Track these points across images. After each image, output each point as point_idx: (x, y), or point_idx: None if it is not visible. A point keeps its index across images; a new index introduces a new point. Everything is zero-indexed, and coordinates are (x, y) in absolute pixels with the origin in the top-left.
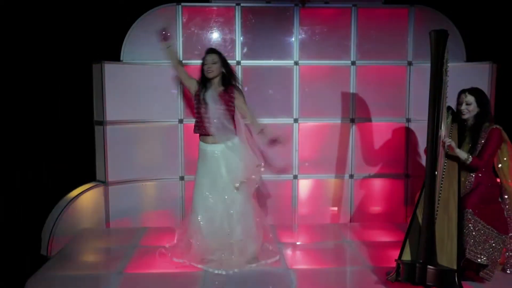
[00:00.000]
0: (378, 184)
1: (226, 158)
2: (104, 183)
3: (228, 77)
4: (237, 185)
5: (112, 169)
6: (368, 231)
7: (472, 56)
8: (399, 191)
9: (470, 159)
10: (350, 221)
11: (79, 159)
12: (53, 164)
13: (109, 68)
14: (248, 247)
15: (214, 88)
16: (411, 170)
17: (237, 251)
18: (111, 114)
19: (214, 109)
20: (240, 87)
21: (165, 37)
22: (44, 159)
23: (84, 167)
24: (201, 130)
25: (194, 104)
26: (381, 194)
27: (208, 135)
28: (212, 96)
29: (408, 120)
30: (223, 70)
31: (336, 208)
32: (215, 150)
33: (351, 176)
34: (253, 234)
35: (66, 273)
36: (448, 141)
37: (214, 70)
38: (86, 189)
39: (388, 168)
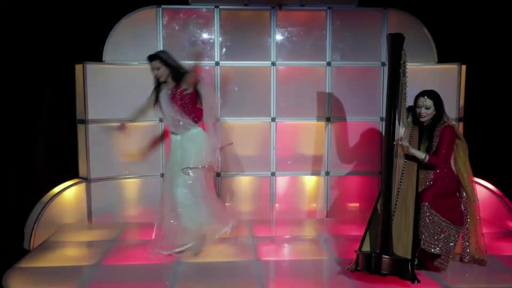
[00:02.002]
0: (353, 181)
1: (182, 146)
2: (87, 179)
3: (175, 73)
4: (186, 168)
5: (94, 166)
6: (342, 226)
7: (443, 58)
8: (373, 188)
9: (427, 158)
10: (326, 217)
11: (62, 156)
12: (37, 161)
13: (91, 68)
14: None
15: (168, 86)
16: None
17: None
18: (93, 113)
19: (166, 108)
20: (189, 75)
21: (121, 129)
22: (28, 156)
23: (67, 164)
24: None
25: None
26: (356, 191)
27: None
28: (164, 95)
29: (382, 119)
30: (170, 68)
31: (313, 204)
32: (175, 139)
33: (327, 173)
34: (205, 218)
35: (43, 265)
36: (404, 144)
37: (161, 74)
38: (69, 186)
39: (362, 166)
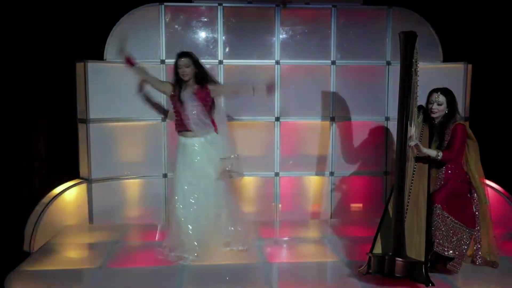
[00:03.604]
0: (357, 181)
1: (206, 150)
2: (88, 180)
3: (201, 76)
4: (219, 174)
5: (95, 167)
6: (347, 227)
7: (448, 57)
8: (378, 188)
9: (440, 155)
10: (331, 218)
11: (63, 156)
12: (37, 161)
13: (92, 66)
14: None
15: (190, 87)
16: (390, 168)
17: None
18: (95, 112)
19: (191, 106)
20: (213, 80)
21: (131, 62)
22: (28, 156)
23: (68, 164)
24: (181, 127)
25: (172, 105)
26: (360, 191)
27: (188, 130)
28: (188, 94)
29: (387, 119)
30: (196, 70)
31: (317, 205)
32: (195, 143)
33: (332, 174)
34: (234, 221)
35: (46, 268)
36: (413, 143)
37: (188, 73)
38: (70, 186)
39: (367, 166)
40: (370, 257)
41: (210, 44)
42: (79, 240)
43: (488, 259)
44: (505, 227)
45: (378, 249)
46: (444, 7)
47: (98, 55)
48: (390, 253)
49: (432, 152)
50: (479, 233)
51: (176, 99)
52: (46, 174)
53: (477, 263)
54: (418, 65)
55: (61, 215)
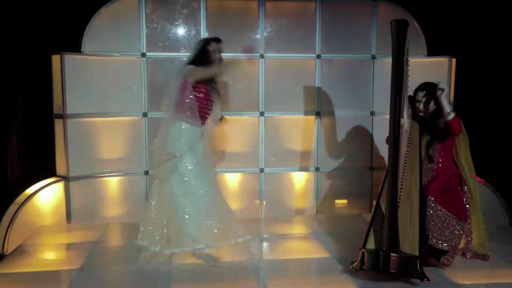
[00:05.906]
0: (343, 177)
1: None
2: (65, 178)
3: None
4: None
5: (73, 164)
6: (333, 223)
7: (433, 51)
8: (364, 183)
9: (452, 115)
10: (316, 213)
11: (38, 153)
12: (11, 159)
13: (69, 59)
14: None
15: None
16: (375, 163)
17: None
18: (72, 107)
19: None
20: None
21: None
22: (1, 153)
23: (43, 162)
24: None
25: (197, 94)
26: (346, 186)
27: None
28: (215, 92)
29: (372, 114)
30: None
31: (303, 201)
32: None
33: (317, 169)
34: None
35: (23, 270)
36: (442, 87)
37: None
38: (46, 185)
39: (353, 161)
40: (363, 252)
41: (193, 37)
42: (56, 241)
43: (479, 252)
44: (490, 220)
45: (371, 245)
46: (428, 1)
47: (75, 47)
48: (384, 249)
49: (447, 108)
50: (469, 226)
51: (208, 91)
52: (20, 172)
53: (468, 256)
54: (409, 54)
55: (37, 215)
